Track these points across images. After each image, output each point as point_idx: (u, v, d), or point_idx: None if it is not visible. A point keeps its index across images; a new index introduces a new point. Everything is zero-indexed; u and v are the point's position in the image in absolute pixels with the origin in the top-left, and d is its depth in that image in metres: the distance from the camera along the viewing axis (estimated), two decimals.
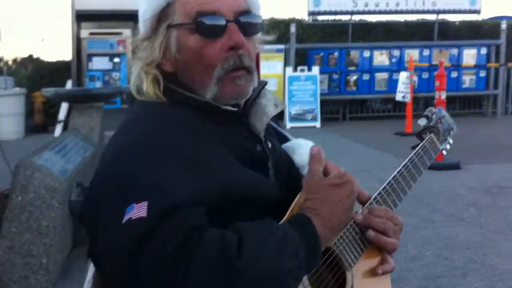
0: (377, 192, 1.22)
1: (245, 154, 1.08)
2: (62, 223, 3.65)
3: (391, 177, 1.26)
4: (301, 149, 1.25)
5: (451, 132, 1.47)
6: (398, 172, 1.27)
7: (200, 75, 1.08)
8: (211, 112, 1.10)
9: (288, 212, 1.04)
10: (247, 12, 1.11)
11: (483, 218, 4.53)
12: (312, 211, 1.00)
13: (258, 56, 1.24)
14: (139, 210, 0.88)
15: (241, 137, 1.12)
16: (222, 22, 1.07)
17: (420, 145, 1.36)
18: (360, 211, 1.16)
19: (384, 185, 1.24)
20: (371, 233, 1.13)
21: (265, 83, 1.21)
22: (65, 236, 3.78)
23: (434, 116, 1.43)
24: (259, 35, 1.18)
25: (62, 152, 4.84)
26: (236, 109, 1.13)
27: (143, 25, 1.13)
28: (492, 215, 4.60)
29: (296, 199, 1.05)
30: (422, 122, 1.43)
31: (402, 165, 1.29)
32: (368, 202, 1.18)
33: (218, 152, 1.04)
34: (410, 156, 1.32)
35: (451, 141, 1.48)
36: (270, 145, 1.16)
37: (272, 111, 1.18)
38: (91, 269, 1.08)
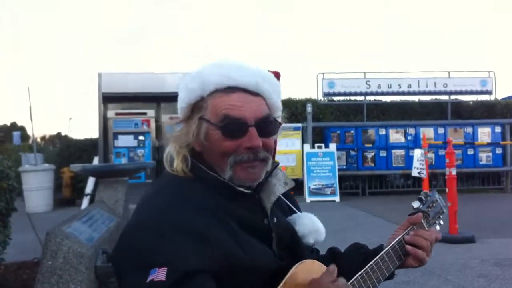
0: (363, 269, 1.36)
1: (252, 226, 1.28)
2: (88, 286, 3.88)
3: (377, 256, 1.41)
4: (301, 220, 1.46)
5: (441, 216, 1.58)
6: (384, 252, 1.43)
7: (218, 160, 1.29)
8: (227, 190, 1.29)
9: (285, 279, 1.22)
10: (267, 117, 1.31)
11: None
12: None
13: (275, 142, 1.45)
14: (160, 274, 1.08)
15: (250, 212, 1.31)
16: (244, 127, 1.27)
17: (407, 230, 1.49)
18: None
19: (370, 263, 1.38)
20: (409, 247, 1.45)
21: (277, 164, 1.43)
22: None
23: (428, 199, 1.55)
24: (279, 130, 1.39)
25: (89, 222, 5.13)
26: (248, 191, 1.32)
27: (180, 110, 1.37)
28: (502, 285, 4.67)
29: (292, 270, 1.24)
30: (416, 204, 1.54)
31: (389, 246, 1.45)
32: (353, 279, 1.34)
33: (227, 227, 1.22)
34: (397, 238, 1.47)
35: (441, 222, 1.59)
36: (275, 220, 1.36)
37: (281, 190, 1.40)
38: None
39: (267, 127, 1.31)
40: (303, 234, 1.42)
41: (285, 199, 1.53)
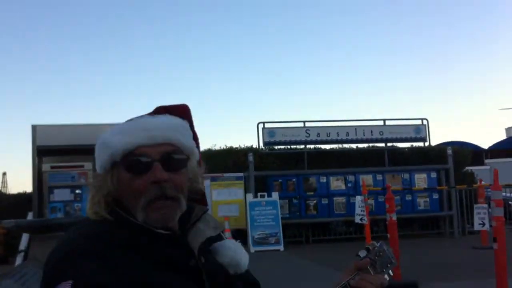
0: None
1: (175, 267, 1.28)
2: None
3: None
4: (221, 250, 1.44)
5: (389, 265, 1.54)
6: None
7: (131, 202, 1.31)
8: (146, 232, 1.29)
9: None
10: (172, 152, 1.33)
11: None
12: None
13: (203, 185, 1.48)
14: (65, 286, 1.14)
15: (173, 254, 1.30)
16: (148, 162, 1.30)
17: (353, 275, 1.44)
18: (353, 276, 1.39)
19: None
20: None
21: (206, 210, 1.45)
22: None
23: (375, 249, 1.52)
24: (195, 169, 1.42)
25: (21, 280, 4.81)
26: (168, 232, 1.33)
27: (100, 166, 1.38)
28: None
29: None
30: (362, 253, 1.51)
31: None
32: None
33: (139, 266, 1.23)
34: (342, 283, 1.40)
35: (391, 272, 1.54)
36: (203, 260, 1.35)
37: (209, 233, 1.40)
38: None
39: (172, 161, 1.33)
40: (220, 262, 1.41)
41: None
